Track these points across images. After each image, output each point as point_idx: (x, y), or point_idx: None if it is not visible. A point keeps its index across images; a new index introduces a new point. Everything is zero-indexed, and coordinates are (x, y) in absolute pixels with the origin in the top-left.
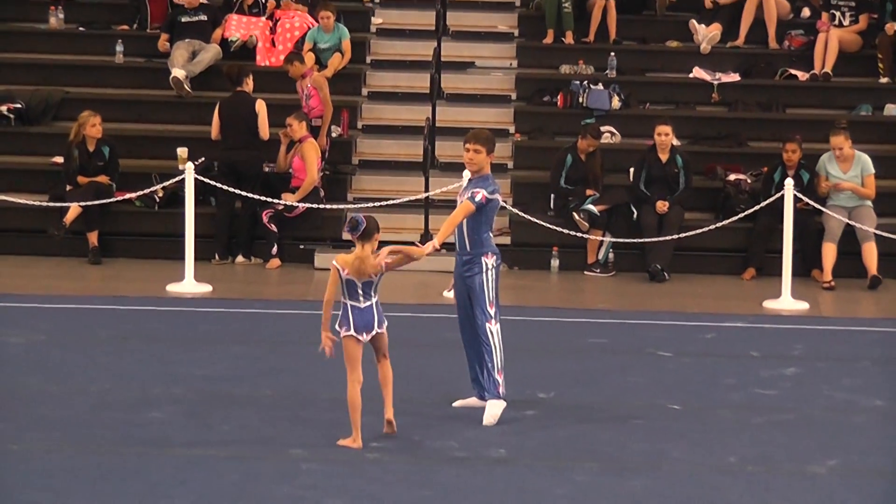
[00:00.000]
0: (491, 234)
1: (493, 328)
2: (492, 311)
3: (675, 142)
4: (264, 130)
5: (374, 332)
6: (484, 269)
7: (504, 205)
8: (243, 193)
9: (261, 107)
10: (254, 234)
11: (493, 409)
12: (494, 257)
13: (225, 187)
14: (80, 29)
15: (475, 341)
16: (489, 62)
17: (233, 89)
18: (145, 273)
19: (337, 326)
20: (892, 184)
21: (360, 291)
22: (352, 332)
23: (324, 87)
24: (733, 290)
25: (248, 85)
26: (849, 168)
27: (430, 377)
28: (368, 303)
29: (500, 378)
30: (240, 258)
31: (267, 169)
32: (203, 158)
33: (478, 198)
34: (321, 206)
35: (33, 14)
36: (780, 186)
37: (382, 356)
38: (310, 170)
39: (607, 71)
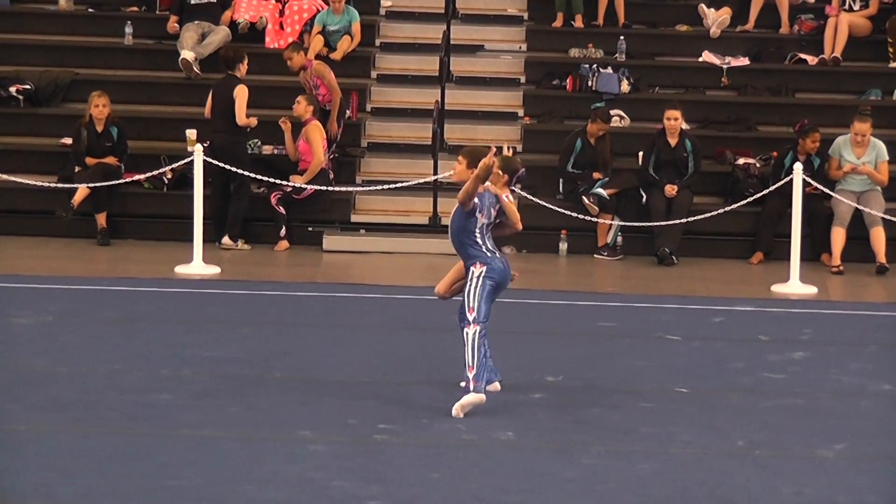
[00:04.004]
0: (485, 248)
1: (469, 330)
2: (470, 317)
3: (685, 126)
4: (240, 116)
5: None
6: (470, 277)
7: (512, 188)
8: (227, 170)
9: (239, 91)
10: (240, 218)
11: (464, 400)
12: (484, 268)
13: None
14: (90, 10)
15: None
16: (498, 45)
17: (225, 72)
18: (154, 255)
19: None
20: None
21: None
22: None
23: (326, 75)
24: (742, 275)
25: (241, 71)
26: (863, 153)
27: (438, 359)
28: None
29: (469, 374)
30: (226, 240)
31: (276, 151)
32: (210, 140)
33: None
34: (330, 188)
35: None
36: (791, 171)
37: None
38: (315, 151)
39: (616, 55)
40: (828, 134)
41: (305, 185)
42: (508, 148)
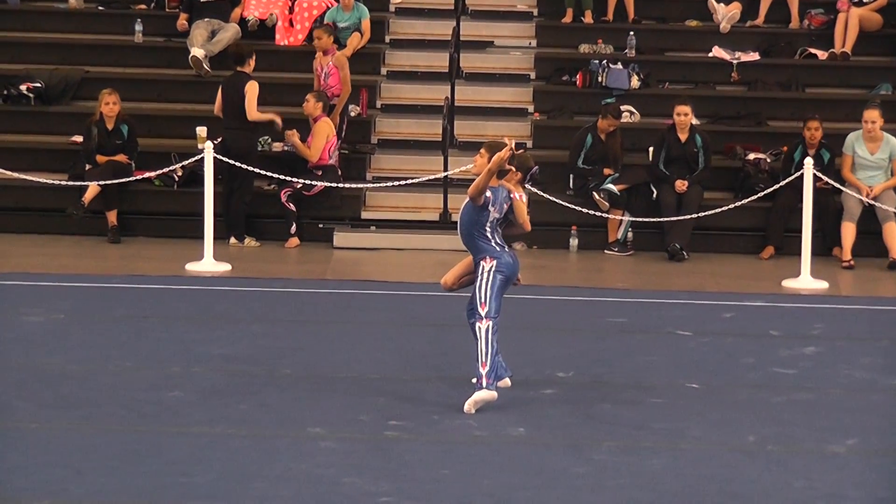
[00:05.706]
0: (494, 243)
1: (482, 325)
2: (483, 312)
3: (695, 121)
4: (251, 111)
5: None
6: (481, 271)
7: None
8: (238, 166)
9: (250, 87)
10: (242, 216)
11: (476, 396)
12: (494, 262)
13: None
14: (100, 8)
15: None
16: (508, 41)
17: (234, 69)
18: (164, 252)
19: None
20: None
21: None
22: None
23: (345, 67)
24: (752, 270)
25: (250, 66)
26: (876, 149)
27: (449, 356)
28: None
29: (482, 370)
30: (232, 240)
31: (286, 148)
32: (222, 138)
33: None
34: (340, 185)
35: None
36: (801, 165)
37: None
38: (314, 146)
39: (626, 50)
40: (839, 129)
41: (315, 182)
42: (517, 146)
